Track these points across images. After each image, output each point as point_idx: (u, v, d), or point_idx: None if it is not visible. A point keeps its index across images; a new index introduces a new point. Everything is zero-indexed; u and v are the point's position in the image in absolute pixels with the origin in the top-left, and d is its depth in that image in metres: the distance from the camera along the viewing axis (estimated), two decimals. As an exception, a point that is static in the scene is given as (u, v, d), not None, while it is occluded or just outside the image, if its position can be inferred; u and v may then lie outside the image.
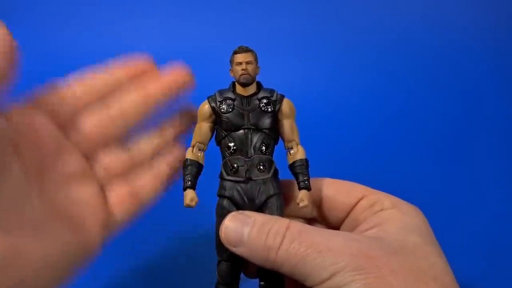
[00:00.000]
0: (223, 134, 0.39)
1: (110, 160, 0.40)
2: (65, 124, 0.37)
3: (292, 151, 0.40)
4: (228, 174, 0.38)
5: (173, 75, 0.41)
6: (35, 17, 0.94)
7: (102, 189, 0.39)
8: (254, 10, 0.93)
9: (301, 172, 0.39)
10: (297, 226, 0.34)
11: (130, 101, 0.39)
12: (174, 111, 0.43)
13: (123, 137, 0.40)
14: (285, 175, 0.41)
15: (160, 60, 0.89)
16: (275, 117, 0.39)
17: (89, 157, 0.38)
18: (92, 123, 0.38)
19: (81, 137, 0.38)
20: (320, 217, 0.43)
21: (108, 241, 0.39)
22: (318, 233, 0.33)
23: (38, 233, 0.31)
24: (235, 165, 0.38)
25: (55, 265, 0.32)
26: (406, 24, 0.92)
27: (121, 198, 0.39)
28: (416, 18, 0.92)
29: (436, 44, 0.90)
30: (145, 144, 0.41)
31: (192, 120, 0.43)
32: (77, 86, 0.38)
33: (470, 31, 0.91)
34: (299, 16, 0.93)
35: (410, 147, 0.77)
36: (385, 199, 0.38)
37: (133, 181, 0.41)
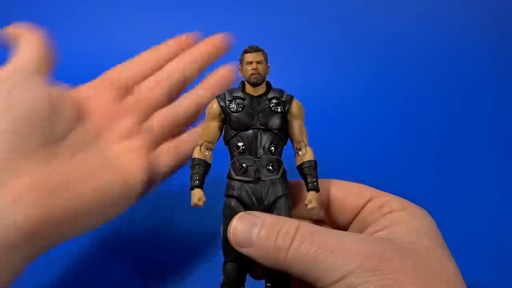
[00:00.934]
0: (232, 134, 0.38)
1: (157, 119, 0.49)
2: (124, 91, 0.50)
3: (300, 152, 0.39)
4: (237, 174, 0.38)
5: (209, 43, 0.54)
6: (35, 17, 0.93)
7: (149, 143, 0.48)
8: (254, 10, 0.93)
9: (310, 174, 0.38)
10: (308, 226, 0.33)
11: (176, 64, 0.52)
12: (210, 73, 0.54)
13: (169, 98, 0.51)
14: (293, 176, 0.40)
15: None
16: (285, 117, 0.39)
17: (140, 117, 0.49)
18: (145, 86, 0.51)
19: (135, 100, 0.49)
20: (328, 219, 0.43)
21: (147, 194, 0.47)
22: (329, 234, 0.33)
23: (90, 176, 0.41)
24: (244, 165, 0.37)
25: (102, 199, 0.41)
26: (406, 24, 0.92)
27: (164, 150, 0.49)
28: (416, 18, 0.93)
29: (436, 44, 0.90)
30: (187, 102, 0.52)
31: (225, 80, 0.54)
32: (133, 61, 0.52)
33: (470, 31, 0.91)
34: (299, 16, 0.93)
35: (410, 147, 0.77)
36: (394, 201, 0.38)
37: (175, 145, 0.50)
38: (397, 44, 0.91)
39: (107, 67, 0.88)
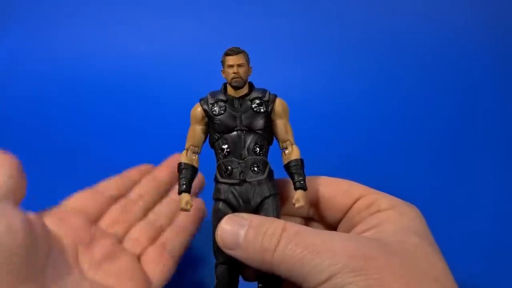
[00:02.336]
0: (216, 137, 0.38)
1: (137, 233, 0.48)
2: (96, 216, 0.47)
3: (286, 151, 0.39)
4: (222, 177, 0.38)
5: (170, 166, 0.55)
6: (35, 17, 0.94)
7: (137, 259, 0.46)
8: (254, 10, 0.93)
9: (297, 172, 0.38)
10: (294, 227, 0.33)
11: (146, 186, 0.52)
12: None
13: (145, 214, 0.50)
14: (281, 175, 0.40)
15: (160, 60, 0.89)
16: (268, 117, 0.39)
17: (118, 236, 0.46)
18: (116, 209, 0.48)
19: (109, 222, 0.47)
20: (318, 217, 0.43)
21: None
22: (316, 234, 0.33)
23: None
24: (229, 168, 0.37)
25: None
26: (406, 24, 0.92)
27: (153, 260, 0.46)
28: (415, 18, 0.92)
29: (435, 44, 0.90)
30: (164, 209, 0.51)
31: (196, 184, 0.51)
32: (101, 187, 0.50)
33: (470, 31, 0.90)
34: (299, 16, 0.92)
35: (409, 146, 0.77)
36: (383, 200, 0.38)
37: (161, 243, 0.48)
38: (397, 44, 0.91)
39: (106, 67, 0.90)
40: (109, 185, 0.51)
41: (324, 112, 0.82)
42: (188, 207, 0.37)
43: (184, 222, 0.51)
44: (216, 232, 0.36)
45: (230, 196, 0.37)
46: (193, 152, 0.39)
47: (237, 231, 0.34)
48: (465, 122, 0.81)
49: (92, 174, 0.73)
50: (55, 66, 0.90)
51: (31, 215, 0.37)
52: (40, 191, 0.69)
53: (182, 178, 0.38)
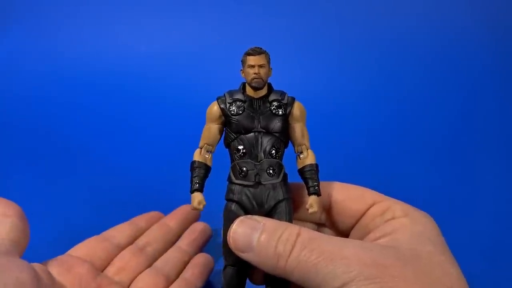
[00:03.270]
0: (233, 137, 0.38)
1: (143, 283, 0.46)
2: (102, 264, 0.46)
3: (302, 155, 0.39)
4: (237, 178, 0.37)
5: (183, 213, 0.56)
6: (35, 17, 0.93)
7: None
8: (254, 10, 0.93)
9: (311, 177, 0.38)
10: (308, 233, 0.33)
11: (154, 234, 0.52)
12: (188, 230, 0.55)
13: (152, 261, 0.49)
14: (294, 178, 0.40)
15: (160, 60, 0.89)
16: (286, 120, 0.38)
17: (124, 284, 0.45)
18: (124, 256, 0.48)
19: (115, 270, 0.46)
20: (329, 223, 0.42)
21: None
22: (330, 241, 0.32)
23: None
24: (244, 169, 0.37)
25: None
26: (407, 25, 0.92)
27: None
28: (416, 18, 0.92)
29: (435, 44, 0.90)
30: (172, 260, 0.50)
31: (204, 235, 0.55)
32: (109, 235, 0.49)
33: (470, 31, 0.91)
34: (299, 16, 0.92)
35: (409, 146, 0.77)
36: (396, 207, 0.37)
37: None
38: (397, 44, 0.91)
39: (106, 67, 0.90)
40: (117, 233, 0.50)
41: (324, 112, 0.82)
42: (201, 206, 0.37)
43: (192, 277, 0.49)
44: (228, 234, 0.35)
45: (244, 198, 0.37)
46: (207, 151, 0.39)
47: (250, 234, 0.34)
48: (466, 122, 0.81)
49: (92, 174, 0.73)
50: (55, 66, 0.89)
51: (37, 266, 0.37)
52: (40, 190, 0.69)
53: (195, 177, 0.38)
